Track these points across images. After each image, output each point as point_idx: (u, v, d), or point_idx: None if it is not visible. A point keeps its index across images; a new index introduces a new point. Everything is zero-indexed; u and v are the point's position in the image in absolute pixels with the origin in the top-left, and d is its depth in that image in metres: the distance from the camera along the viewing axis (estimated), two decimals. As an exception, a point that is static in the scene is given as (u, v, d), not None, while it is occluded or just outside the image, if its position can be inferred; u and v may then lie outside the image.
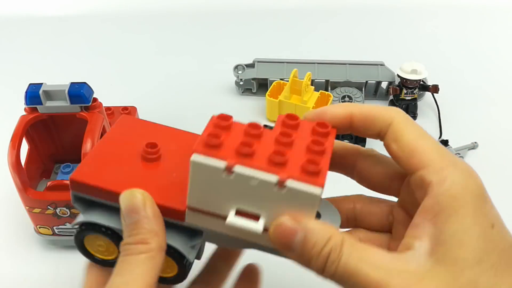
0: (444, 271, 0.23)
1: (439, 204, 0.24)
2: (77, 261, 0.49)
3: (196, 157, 0.23)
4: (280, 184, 0.23)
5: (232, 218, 0.24)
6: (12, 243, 0.51)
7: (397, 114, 0.26)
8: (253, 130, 0.25)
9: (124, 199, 0.26)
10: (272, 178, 0.23)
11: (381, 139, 0.27)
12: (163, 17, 0.88)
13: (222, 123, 0.25)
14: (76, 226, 0.28)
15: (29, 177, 0.46)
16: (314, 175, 0.23)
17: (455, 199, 0.23)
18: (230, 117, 0.25)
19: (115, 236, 0.28)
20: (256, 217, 0.25)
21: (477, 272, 0.23)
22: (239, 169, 0.23)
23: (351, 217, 0.31)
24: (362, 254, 0.23)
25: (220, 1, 0.90)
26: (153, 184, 0.27)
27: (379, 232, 0.31)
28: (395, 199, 0.30)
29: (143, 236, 0.26)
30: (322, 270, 0.23)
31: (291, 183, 0.23)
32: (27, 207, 0.46)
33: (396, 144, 0.26)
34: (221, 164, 0.23)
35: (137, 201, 0.26)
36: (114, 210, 0.27)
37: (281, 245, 0.24)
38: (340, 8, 0.89)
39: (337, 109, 0.27)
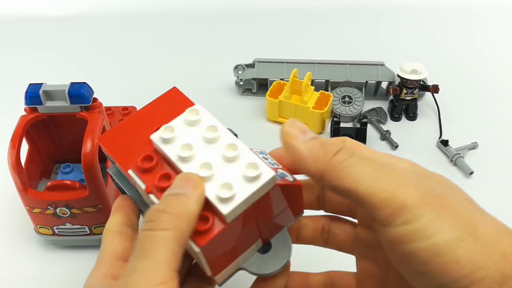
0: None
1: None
2: (77, 261, 0.49)
3: (130, 172, 0.28)
4: None
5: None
6: (12, 243, 0.51)
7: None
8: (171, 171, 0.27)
9: (184, 174, 0.26)
10: None
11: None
12: (163, 17, 0.88)
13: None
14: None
15: (29, 177, 0.46)
16: (201, 234, 0.25)
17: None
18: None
19: None
20: None
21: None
22: (151, 197, 0.27)
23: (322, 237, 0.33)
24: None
25: (220, 1, 0.90)
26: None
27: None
28: None
29: (182, 211, 0.23)
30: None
31: None
32: (27, 207, 0.46)
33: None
34: (143, 186, 0.27)
35: (196, 176, 0.25)
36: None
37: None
38: (340, 8, 0.89)
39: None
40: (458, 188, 0.26)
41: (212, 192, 0.25)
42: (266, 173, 0.25)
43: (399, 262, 0.24)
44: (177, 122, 0.28)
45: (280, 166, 0.29)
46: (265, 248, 0.29)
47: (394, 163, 0.26)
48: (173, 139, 0.27)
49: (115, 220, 0.30)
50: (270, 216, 0.28)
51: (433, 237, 0.21)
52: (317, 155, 0.25)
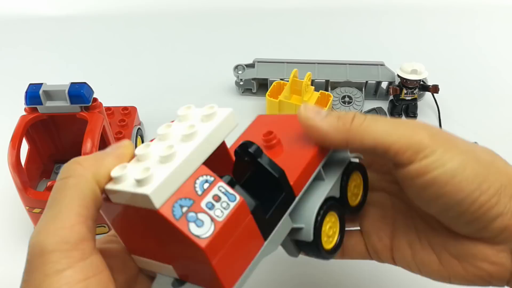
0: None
1: None
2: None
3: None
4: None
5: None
6: (12, 243, 0.51)
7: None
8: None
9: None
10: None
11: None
12: (163, 17, 0.88)
13: None
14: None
15: (29, 177, 0.46)
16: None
17: None
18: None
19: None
20: None
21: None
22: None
23: None
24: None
25: (220, 1, 0.90)
26: None
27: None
28: None
29: (77, 158, 0.24)
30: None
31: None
32: (27, 207, 0.46)
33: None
34: None
35: (124, 142, 0.26)
36: None
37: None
38: (340, 8, 0.89)
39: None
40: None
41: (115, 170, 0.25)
42: (146, 188, 0.22)
43: (420, 191, 0.27)
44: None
45: (221, 218, 0.24)
46: (181, 283, 0.27)
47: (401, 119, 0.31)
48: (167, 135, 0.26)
49: None
50: (167, 246, 0.25)
51: (446, 164, 0.26)
52: (337, 127, 0.28)
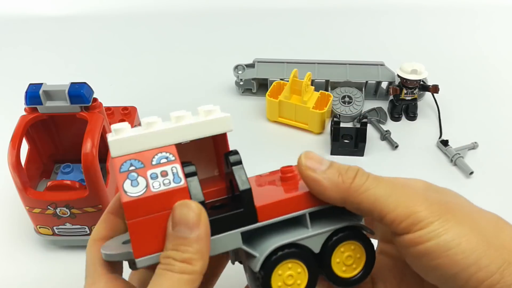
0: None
1: None
2: (77, 261, 0.49)
3: None
4: None
5: None
6: (12, 243, 0.51)
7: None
8: None
9: (179, 208, 0.25)
10: None
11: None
12: (163, 17, 0.88)
13: None
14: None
15: (29, 177, 0.46)
16: None
17: None
18: None
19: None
20: None
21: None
22: None
23: None
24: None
25: (220, 1, 0.90)
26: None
27: None
28: None
29: (190, 256, 0.25)
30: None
31: None
32: (27, 207, 0.46)
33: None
34: None
35: (192, 215, 0.25)
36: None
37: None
38: (340, 8, 0.89)
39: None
40: (459, 194, 0.30)
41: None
42: (114, 137, 0.26)
43: (415, 261, 0.27)
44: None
45: (155, 189, 0.26)
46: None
47: (406, 181, 0.30)
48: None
49: (100, 232, 0.31)
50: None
51: (441, 236, 0.25)
52: (337, 183, 0.27)
